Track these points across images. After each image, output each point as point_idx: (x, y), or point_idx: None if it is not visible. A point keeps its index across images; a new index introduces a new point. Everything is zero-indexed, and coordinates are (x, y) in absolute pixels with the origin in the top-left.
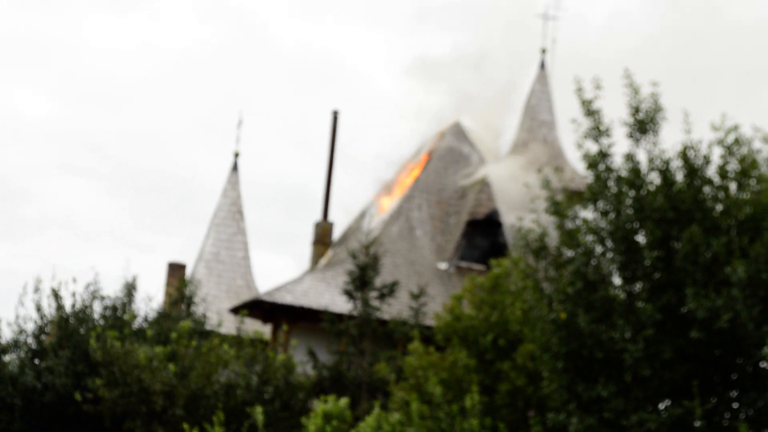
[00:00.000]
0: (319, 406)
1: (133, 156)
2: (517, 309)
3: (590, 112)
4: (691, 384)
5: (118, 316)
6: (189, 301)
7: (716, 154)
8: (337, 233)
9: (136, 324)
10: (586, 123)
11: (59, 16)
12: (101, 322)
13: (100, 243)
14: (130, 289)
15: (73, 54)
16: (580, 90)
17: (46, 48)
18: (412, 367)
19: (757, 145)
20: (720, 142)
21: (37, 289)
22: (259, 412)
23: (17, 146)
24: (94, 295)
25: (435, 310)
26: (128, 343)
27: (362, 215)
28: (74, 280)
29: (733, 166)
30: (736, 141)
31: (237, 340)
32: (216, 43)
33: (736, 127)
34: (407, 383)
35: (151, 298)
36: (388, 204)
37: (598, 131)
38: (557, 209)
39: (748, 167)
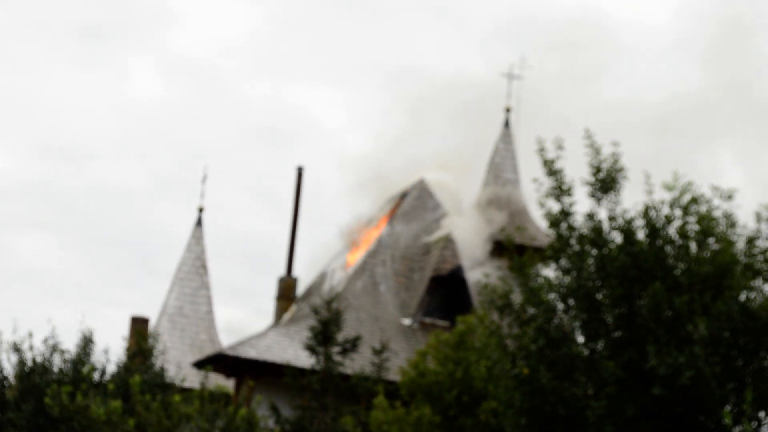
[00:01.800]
0: None
1: (97, 210)
2: (482, 366)
3: (552, 171)
4: None
5: (78, 369)
6: (148, 354)
7: (677, 214)
8: (301, 288)
9: (96, 377)
10: (548, 182)
11: (24, 71)
12: (61, 375)
13: (64, 297)
14: (87, 342)
15: (38, 108)
16: (542, 150)
17: (10, 102)
18: (378, 422)
19: (715, 202)
20: (674, 202)
21: None
22: None
23: None
24: (54, 349)
25: (398, 365)
26: (88, 397)
27: (326, 271)
28: (30, 335)
29: (693, 225)
30: (693, 200)
31: (200, 395)
32: (181, 98)
33: (689, 185)
34: None
35: (107, 351)
36: (353, 260)
37: (560, 190)
38: (519, 267)
39: (707, 227)
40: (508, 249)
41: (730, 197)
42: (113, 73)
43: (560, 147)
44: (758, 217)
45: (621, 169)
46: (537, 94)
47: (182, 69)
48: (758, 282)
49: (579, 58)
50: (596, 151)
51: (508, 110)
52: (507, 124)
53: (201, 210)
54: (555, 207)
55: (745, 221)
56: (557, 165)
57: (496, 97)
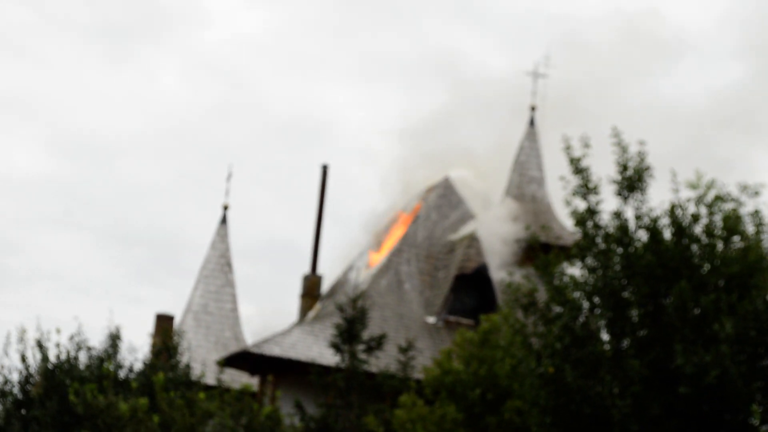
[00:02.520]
0: None
1: (123, 209)
2: (506, 364)
3: (578, 170)
4: None
5: (104, 366)
6: (173, 352)
7: (702, 212)
8: (325, 286)
9: (122, 375)
10: (574, 180)
11: (51, 71)
12: (86, 373)
13: (90, 295)
14: (114, 339)
15: (64, 108)
16: (568, 148)
17: (37, 102)
18: (402, 420)
19: (742, 199)
20: (699, 200)
21: (21, 339)
22: None
23: (6, 199)
24: (80, 346)
25: (423, 363)
26: (111, 395)
27: (350, 268)
28: (58, 331)
29: (719, 224)
30: (718, 198)
31: (220, 392)
32: (207, 96)
33: (713, 183)
34: None
35: (134, 349)
36: (378, 258)
37: (586, 189)
38: (545, 266)
39: (733, 225)
40: (534, 248)
41: (757, 194)
42: (139, 71)
43: (587, 145)
44: None
45: (647, 168)
46: (562, 92)
47: (208, 67)
48: None
49: (605, 56)
50: (623, 149)
51: (533, 108)
52: (532, 122)
53: (226, 208)
54: (581, 205)
55: None
56: (583, 163)
57: (521, 96)
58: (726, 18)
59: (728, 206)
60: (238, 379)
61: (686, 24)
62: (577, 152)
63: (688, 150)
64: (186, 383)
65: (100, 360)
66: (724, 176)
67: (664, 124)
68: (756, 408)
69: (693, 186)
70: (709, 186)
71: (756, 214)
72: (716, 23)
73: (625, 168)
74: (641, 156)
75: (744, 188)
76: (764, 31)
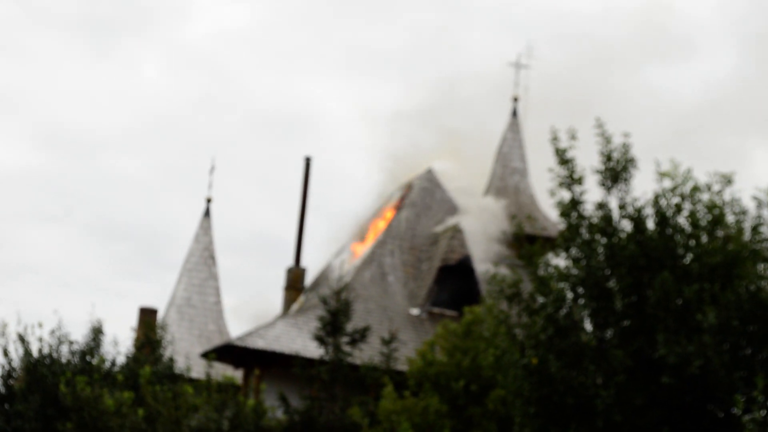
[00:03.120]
0: None
1: (106, 202)
2: (490, 355)
3: (564, 161)
4: (661, 430)
5: (87, 360)
6: (157, 345)
7: (685, 203)
8: (309, 279)
9: (105, 368)
10: (560, 171)
11: (34, 64)
12: (69, 367)
13: (72, 289)
14: (96, 333)
15: (47, 102)
16: (555, 139)
17: (20, 95)
18: (386, 411)
19: (716, 187)
20: (675, 190)
21: (2, 334)
22: None
23: None
24: (61, 340)
25: (407, 355)
26: (97, 388)
27: (333, 261)
28: (40, 325)
29: (702, 214)
30: (695, 188)
31: (208, 385)
32: (189, 89)
33: (689, 173)
34: (381, 427)
35: (117, 342)
36: (361, 250)
37: (571, 179)
38: (529, 256)
39: (717, 215)
40: (519, 239)
41: (729, 181)
42: (123, 65)
43: (573, 137)
44: (759, 203)
45: (632, 159)
46: (545, 83)
47: (191, 60)
48: (767, 270)
49: (586, 47)
50: (607, 140)
51: (515, 100)
52: (515, 113)
53: (209, 201)
54: (566, 196)
55: (748, 205)
56: (569, 154)
57: (503, 87)
58: (717, 8)
59: (706, 196)
60: (222, 372)
61: (677, 15)
62: (563, 143)
63: (674, 141)
64: (170, 376)
65: (83, 354)
66: (712, 167)
67: (650, 115)
68: (739, 398)
69: (668, 175)
70: (686, 176)
71: (736, 203)
72: (708, 14)
73: (609, 158)
74: (625, 147)
75: (720, 177)
76: (758, 22)
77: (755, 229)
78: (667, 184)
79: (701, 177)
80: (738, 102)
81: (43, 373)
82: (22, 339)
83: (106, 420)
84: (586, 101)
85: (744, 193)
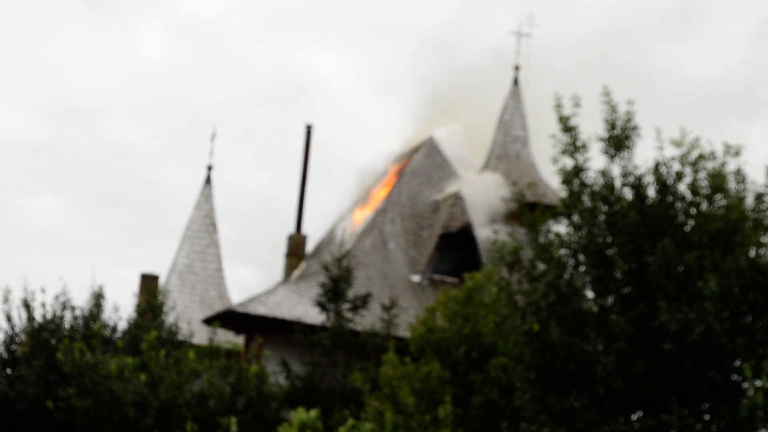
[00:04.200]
0: (294, 416)
1: (107, 169)
2: (490, 321)
3: (567, 128)
4: (662, 396)
5: (89, 326)
6: (158, 311)
7: (687, 171)
8: (310, 246)
9: (107, 334)
10: (562, 138)
11: (33, 31)
12: (71, 332)
13: (74, 256)
14: (97, 298)
15: (47, 69)
16: (558, 106)
17: (20, 63)
18: (387, 377)
19: (724, 159)
20: (683, 158)
21: (6, 300)
22: (233, 423)
23: None
24: (65, 306)
25: (408, 321)
26: (98, 354)
27: (335, 228)
28: (43, 291)
29: (703, 182)
30: (701, 156)
31: (209, 351)
32: (190, 58)
33: (697, 142)
34: (382, 393)
35: (118, 308)
36: (362, 217)
37: (574, 147)
38: (530, 223)
39: (718, 183)
40: (521, 206)
41: (737, 153)
42: (122, 33)
43: (577, 104)
44: None
45: (635, 127)
46: (546, 52)
47: (191, 29)
48: (767, 238)
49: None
50: (612, 108)
51: (516, 68)
52: (516, 81)
53: (210, 168)
54: (569, 163)
55: (755, 177)
56: (572, 122)
57: (504, 55)
58: None
59: (711, 165)
60: (224, 337)
61: None
62: (566, 111)
63: (674, 112)
64: (172, 342)
65: (85, 319)
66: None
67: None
68: (748, 366)
69: (677, 144)
70: (693, 145)
71: (738, 172)
72: None
73: (612, 126)
74: (629, 115)
75: (727, 148)
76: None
77: (759, 198)
78: (675, 152)
79: (714, 146)
80: (747, 85)
81: (46, 339)
82: (26, 305)
83: (108, 385)
84: (588, 71)
85: (749, 165)
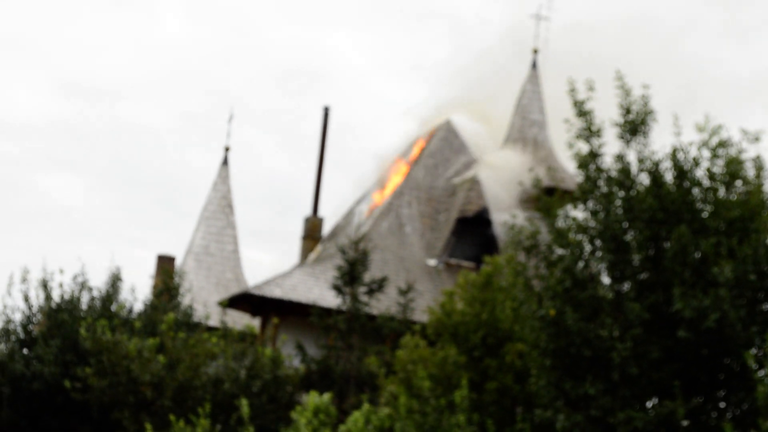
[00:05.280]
0: (309, 400)
1: (124, 150)
2: (508, 307)
3: (582, 112)
4: (675, 384)
5: (106, 306)
6: (175, 293)
7: (705, 156)
8: (326, 228)
9: (124, 315)
10: (578, 123)
11: (52, 13)
12: (89, 313)
13: (90, 237)
14: (115, 280)
15: (65, 49)
16: (573, 91)
17: (38, 44)
18: (403, 361)
19: (743, 146)
20: (704, 144)
21: (24, 280)
22: (244, 405)
23: (8, 140)
24: (83, 286)
25: (423, 306)
26: (117, 334)
27: (352, 211)
28: (61, 271)
29: (721, 168)
30: (721, 143)
31: (225, 333)
32: (208, 39)
33: (719, 128)
34: (397, 377)
35: (134, 289)
36: (381, 199)
37: (589, 132)
38: (547, 208)
39: (735, 170)
40: (538, 190)
41: (757, 139)
42: (140, 13)
43: (591, 88)
44: None
45: (651, 111)
46: (565, 35)
47: (210, 9)
48: None
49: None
50: (626, 92)
51: (535, 52)
52: (534, 65)
53: (227, 149)
54: (584, 148)
55: None
56: (587, 106)
57: (523, 38)
58: None
59: (731, 151)
60: (240, 320)
61: None
62: (581, 95)
63: (690, 99)
64: (188, 324)
65: (103, 300)
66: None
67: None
68: (750, 353)
69: (700, 129)
70: (715, 131)
71: (757, 159)
72: None
73: (628, 111)
74: (645, 99)
75: (745, 134)
76: None
77: None
78: (691, 137)
79: (732, 132)
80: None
81: (63, 319)
82: (44, 285)
83: (126, 365)
84: (606, 54)
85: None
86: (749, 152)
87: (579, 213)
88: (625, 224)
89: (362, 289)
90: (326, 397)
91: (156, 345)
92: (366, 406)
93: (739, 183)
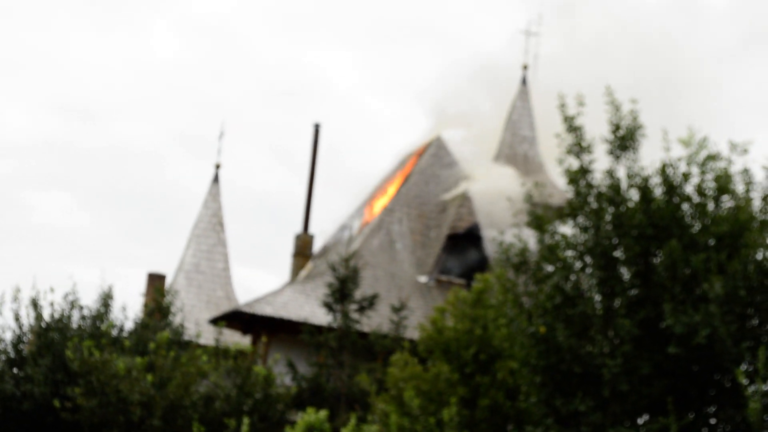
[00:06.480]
0: (301, 417)
1: (115, 168)
2: (499, 324)
3: (572, 128)
4: (667, 400)
5: (97, 325)
6: (166, 311)
7: (694, 171)
8: (317, 246)
9: (114, 334)
10: (568, 138)
11: (44, 32)
12: (79, 332)
13: (81, 255)
14: (106, 299)
15: (56, 67)
16: (563, 106)
17: (30, 60)
18: (395, 379)
19: (732, 158)
20: (691, 158)
21: (15, 299)
22: (245, 423)
23: (0, 159)
24: (73, 305)
25: (414, 323)
26: (106, 353)
27: (342, 228)
28: (52, 290)
29: (710, 183)
30: (709, 157)
31: (217, 351)
32: (199, 56)
33: (705, 141)
34: (388, 395)
35: (125, 308)
36: (370, 217)
37: (579, 147)
38: (538, 224)
39: (724, 184)
40: (532, 206)
41: (745, 151)
42: (131, 31)
43: (581, 104)
44: None
45: (640, 127)
46: (554, 51)
47: (201, 28)
48: None
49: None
50: (616, 108)
51: (525, 67)
52: (524, 81)
53: (218, 167)
54: (574, 164)
55: (762, 176)
56: (577, 122)
57: (513, 54)
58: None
59: (719, 165)
60: (230, 338)
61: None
62: (571, 110)
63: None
64: (178, 343)
65: (93, 319)
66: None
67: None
68: (739, 370)
69: (684, 143)
70: (701, 145)
71: (745, 172)
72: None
73: (617, 127)
74: (633, 115)
75: (733, 146)
76: None
77: (765, 199)
78: (681, 152)
79: (720, 146)
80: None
81: (53, 338)
82: (35, 304)
83: (115, 384)
84: (595, 72)
85: (756, 163)
86: (738, 165)
87: (569, 229)
88: (615, 240)
89: (353, 307)
90: (322, 414)
91: (145, 364)
92: (353, 422)
93: (727, 197)
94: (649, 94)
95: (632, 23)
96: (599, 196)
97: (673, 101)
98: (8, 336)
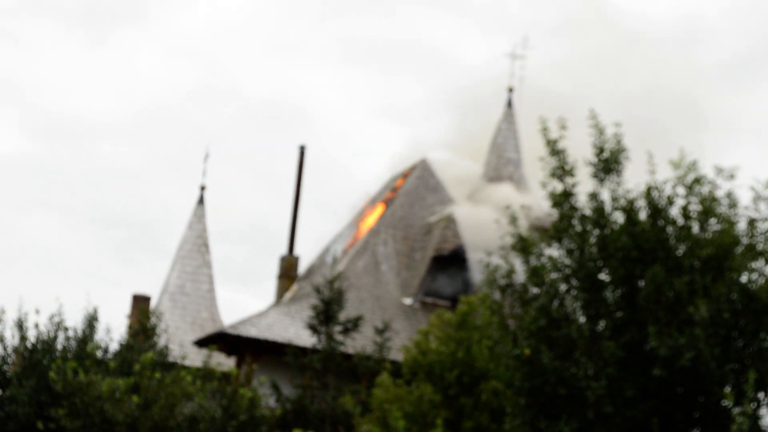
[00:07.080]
0: None
1: (100, 189)
2: (484, 346)
3: (555, 151)
4: (652, 422)
5: (82, 347)
6: (151, 333)
7: (680, 194)
8: (302, 267)
9: (99, 355)
10: (551, 161)
11: (29, 51)
12: (64, 353)
13: (67, 276)
14: (91, 320)
15: (42, 88)
16: (545, 129)
17: (15, 84)
18: (379, 400)
19: (718, 182)
20: (680, 180)
21: (0, 320)
22: None
23: None
24: (58, 326)
25: (399, 345)
26: (91, 374)
27: (327, 250)
28: (37, 312)
29: (695, 206)
30: (697, 180)
31: (203, 374)
32: (183, 79)
33: (695, 164)
34: (373, 416)
35: (109, 330)
36: (354, 239)
37: (562, 170)
38: (523, 246)
39: (709, 207)
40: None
41: (732, 176)
42: (118, 53)
43: (563, 127)
44: (756, 194)
45: (624, 150)
46: (540, 74)
47: (186, 49)
48: (759, 263)
49: (583, 39)
50: (600, 131)
51: (510, 90)
52: (509, 103)
53: (203, 188)
54: (558, 187)
55: (748, 201)
56: (560, 145)
57: (498, 77)
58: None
59: (705, 189)
60: (215, 360)
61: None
62: (553, 134)
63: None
64: (163, 364)
65: (78, 341)
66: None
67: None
68: (728, 392)
69: (675, 165)
70: (690, 168)
71: (730, 196)
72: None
73: (601, 150)
74: (617, 138)
75: (719, 171)
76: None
77: (752, 223)
78: (666, 175)
79: (706, 170)
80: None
81: (38, 359)
82: (20, 325)
83: (99, 406)
84: (581, 94)
85: (743, 189)
86: (723, 188)
87: (554, 251)
88: (600, 263)
89: (338, 328)
90: None
91: (129, 385)
92: None
93: (713, 221)
94: (637, 115)
95: (624, 45)
96: (583, 218)
97: (662, 122)
98: None
